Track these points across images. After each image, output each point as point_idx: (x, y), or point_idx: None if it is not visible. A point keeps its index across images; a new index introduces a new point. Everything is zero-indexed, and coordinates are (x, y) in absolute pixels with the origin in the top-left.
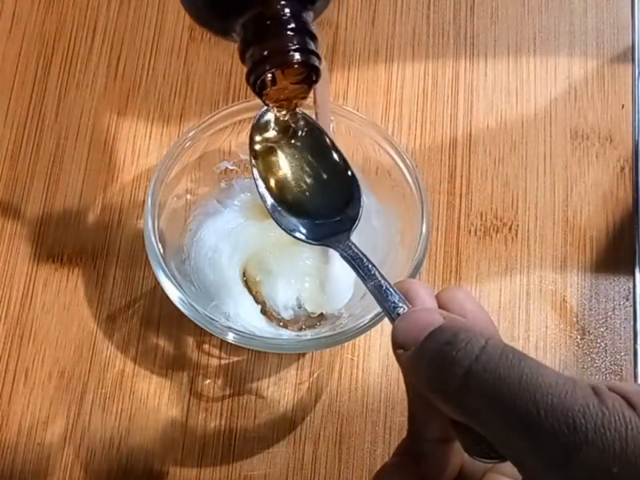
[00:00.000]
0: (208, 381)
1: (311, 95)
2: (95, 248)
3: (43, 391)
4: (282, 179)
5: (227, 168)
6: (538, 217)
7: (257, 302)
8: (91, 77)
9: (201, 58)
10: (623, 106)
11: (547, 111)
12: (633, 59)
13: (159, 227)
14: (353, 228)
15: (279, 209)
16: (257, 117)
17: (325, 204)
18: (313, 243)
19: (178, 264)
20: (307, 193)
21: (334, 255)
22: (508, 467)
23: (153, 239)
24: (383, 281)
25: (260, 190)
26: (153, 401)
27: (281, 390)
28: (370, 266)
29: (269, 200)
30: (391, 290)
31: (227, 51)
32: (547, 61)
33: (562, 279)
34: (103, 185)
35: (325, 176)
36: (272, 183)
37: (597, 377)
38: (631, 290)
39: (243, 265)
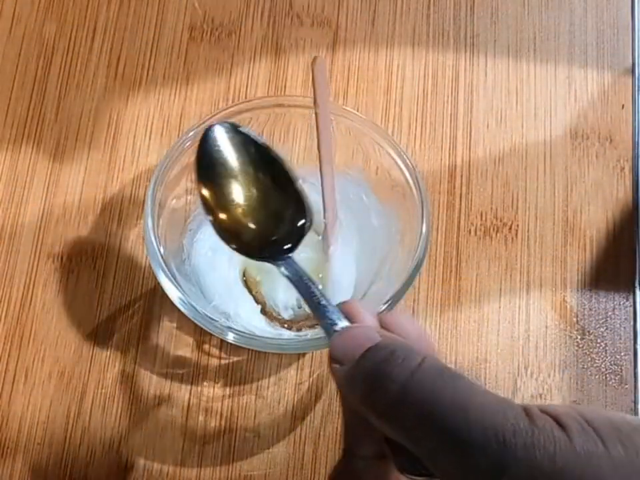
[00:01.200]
0: (208, 380)
1: (311, 95)
2: (95, 248)
3: (42, 390)
4: (225, 196)
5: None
6: (538, 217)
7: (257, 302)
8: (91, 76)
9: (201, 58)
10: (623, 106)
11: (547, 111)
12: (633, 59)
13: (159, 227)
14: (296, 247)
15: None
16: (201, 140)
17: (268, 222)
18: (253, 258)
19: (178, 264)
20: (251, 211)
21: (334, 255)
22: None
23: (152, 238)
24: (322, 299)
25: (201, 203)
26: (153, 401)
27: (281, 390)
28: (309, 284)
29: (209, 215)
30: (330, 308)
31: (227, 51)
32: (547, 60)
33: (562, 279)
34: (103, 185)
35: (269, 196)
36: (215, 198)
37: (597, 376)
38: (631, 290)
39: (242, 265)
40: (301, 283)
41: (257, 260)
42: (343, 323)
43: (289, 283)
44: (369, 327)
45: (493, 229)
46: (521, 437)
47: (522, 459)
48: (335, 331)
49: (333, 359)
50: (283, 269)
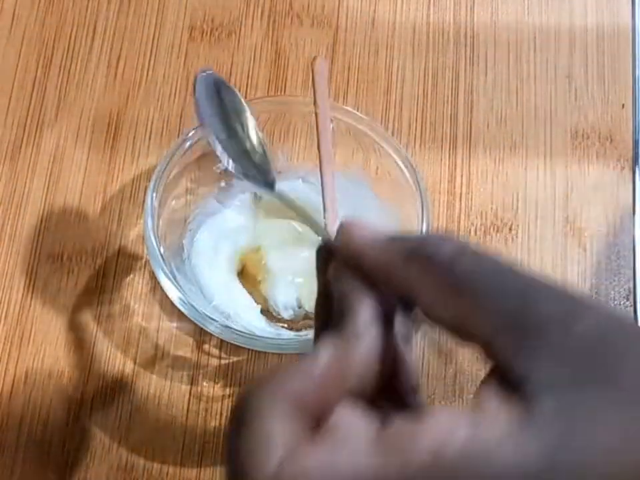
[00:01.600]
0: (208, 380)
1: (311, 95)
2: (95, 248)
3: (42, 391)
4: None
5: (226, 168)
6: (538, 216)
7: (257, 302)
8: (91, 76)
9: (201, 58)
10: (623, 106)
11: (547, 111)
12: (633, 59)
13: (159, 227)
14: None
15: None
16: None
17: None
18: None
19: (178, 264)
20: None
21: None
22: None
23: (153, 238)
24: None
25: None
26: (153, 401)
27: None
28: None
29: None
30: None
31: (227, 50)
32: (546, 60)
33: (562, 279)
34: (103, 185)
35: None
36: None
37: None
38: (631, 290)
39: (242, 265)
40: (294, 203)
41: (242, 179)
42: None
43: (284, 204)
44: None
45: (493, 229)
46: (592, 298)
47: (596, 313)
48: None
49: (351, 225)
50: (276, 192)
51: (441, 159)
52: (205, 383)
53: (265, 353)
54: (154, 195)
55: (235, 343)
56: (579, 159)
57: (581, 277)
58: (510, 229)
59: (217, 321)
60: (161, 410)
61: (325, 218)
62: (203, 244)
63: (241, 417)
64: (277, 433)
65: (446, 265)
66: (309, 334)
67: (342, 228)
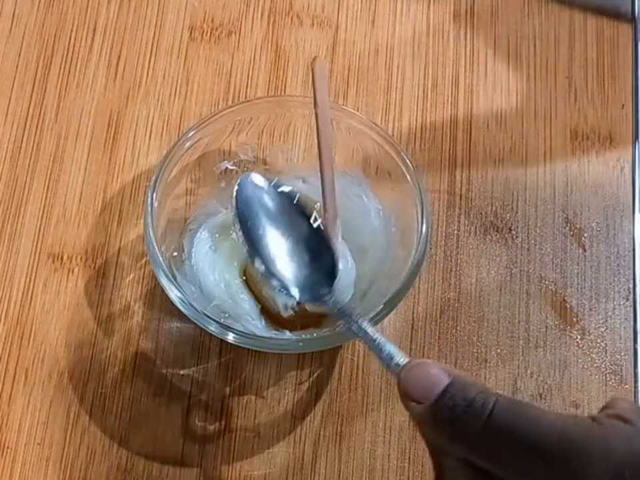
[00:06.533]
0: (208, 381)
1: (311, 95)
2: (95, 248)
3: (42, 391)
4: (265, 242)
5: (226, 168)
6: (538, 216)
7: (257, 302)
8: (91, 76)
9: (201, 58)
10: (623, 106)
11: (547, 111)
12: (633, 59)
13: (159, 227)
14: (334, 286)
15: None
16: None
17: (305, 267)
18: (302, 301)
19: (178, 264)
20: (290, 258)
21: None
22: None
23: (152, 238)
24: (375, 334)
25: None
26: (153, 401)
27: (281, 390)
28: (360, 320)
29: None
30: (384, 340)
31: (227, 50)
32: (546, 60)
33: (562, 279)
34: (103, 185)
35: (304, 244)
36: (257, 245)
37: (597, 376)
38: (631, 290)
39: (243, 265)
40: (351, 321)
41: (303, 301)
42: (400, 356)
43: (339, 319)
44: (433, 363)
45: (493, 229)
46: (595, 438)
47: (600, 456)
48: (397, 364)
49: (406, 396)
50: (331, 306)
51: (441, 159)
52: (205, 383)
53: (265, 352)
54: (154, 195)
55: (235, 342)
56: (579, 159)
57: (580, 277)
58: (510, 229)
59: (217, 321)
60: (161, 410)
61: (324, 218)
62: (202, 244)
63: None
64: None
65: (479, 435)
66: (309, 334)
67: (403, 384)
